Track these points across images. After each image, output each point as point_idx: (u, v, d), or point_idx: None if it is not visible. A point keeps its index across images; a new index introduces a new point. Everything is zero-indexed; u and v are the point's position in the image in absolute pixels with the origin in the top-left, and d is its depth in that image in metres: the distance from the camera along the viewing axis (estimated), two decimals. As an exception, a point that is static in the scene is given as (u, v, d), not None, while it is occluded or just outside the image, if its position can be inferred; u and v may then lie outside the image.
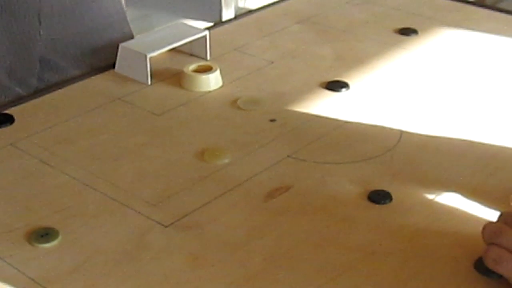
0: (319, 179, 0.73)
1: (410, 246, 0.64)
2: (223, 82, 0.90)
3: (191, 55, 0.96)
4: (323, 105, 0.85)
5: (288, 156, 0.76)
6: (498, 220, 0.62)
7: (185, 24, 0.97)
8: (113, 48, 0.92)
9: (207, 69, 0.90)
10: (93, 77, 0.91)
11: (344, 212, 0.68)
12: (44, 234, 0.65)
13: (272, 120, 0.82)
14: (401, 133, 0.80)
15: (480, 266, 0.61)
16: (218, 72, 0.89)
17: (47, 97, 0.87)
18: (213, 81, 0.89)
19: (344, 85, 0.89)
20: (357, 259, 0.63)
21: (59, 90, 0.88)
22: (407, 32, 1.03)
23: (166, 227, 0.66)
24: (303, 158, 0.76)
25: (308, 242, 0.65)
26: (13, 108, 0.84)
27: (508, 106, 0.86)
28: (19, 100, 0.87)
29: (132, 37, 0.96)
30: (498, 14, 1.09)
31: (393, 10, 1.10)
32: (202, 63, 0.91)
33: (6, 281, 0.60)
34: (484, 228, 0.61)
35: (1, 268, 0.62)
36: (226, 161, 0.75)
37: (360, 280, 0.61)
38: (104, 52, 0.95)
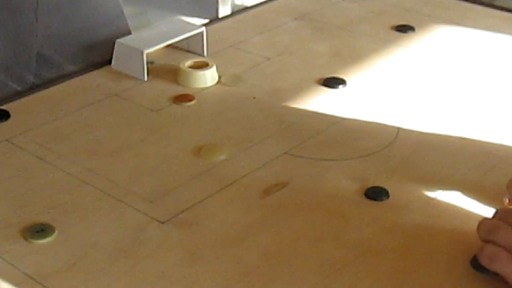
0: (316, 176, 0.73)
1: (407, 243, 0.64)
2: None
3: (188, 51, 0.95)
4: (320, 102, 0.85)
5: (285, 152, 0.76)
6: (494, 217, 0.62)
7: (182, 20, 0.97)
8: (110, 44, 0.92)
9: (204, 66, 0.89)
10: (89, 73, 0.91)
11: (341, 208, 0.68)
12: (40, 230, 0.64)
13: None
14: (398, 130, 0.80)
15: (477, 263, 0.61)
16: (214, 68, 0.89)
17: (43, 93, 0.87)
18: (209, 77, 0.89)
19: (341, 81, 0.89)
20: (353, 256, 0.63)
21: (56, 86, 0.88)
22: (404, 29, 1.02)
23: (162, 223, 0.66)
24: (300, 154, 0.76)
25: (304, 239, 0.65)
26: (9, 104, 0.84)
27: (505, 103, 0.86)
28: (15, 95, 0.87)
29: (129, 33, 0.96)
30: (494, 11, 1.09)
31: (390, 7, 1.10)
32: (199, 59, 0.91)
33: (1, 277, 0.60)
34: (479, 225, 0.61)
35: (-4, 264, 0.62)
36: (223, 157, 0.75)
37: (357, 277, 0.61)
38: (100, 48, 0.95)
